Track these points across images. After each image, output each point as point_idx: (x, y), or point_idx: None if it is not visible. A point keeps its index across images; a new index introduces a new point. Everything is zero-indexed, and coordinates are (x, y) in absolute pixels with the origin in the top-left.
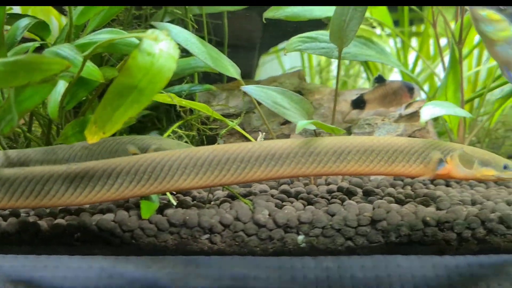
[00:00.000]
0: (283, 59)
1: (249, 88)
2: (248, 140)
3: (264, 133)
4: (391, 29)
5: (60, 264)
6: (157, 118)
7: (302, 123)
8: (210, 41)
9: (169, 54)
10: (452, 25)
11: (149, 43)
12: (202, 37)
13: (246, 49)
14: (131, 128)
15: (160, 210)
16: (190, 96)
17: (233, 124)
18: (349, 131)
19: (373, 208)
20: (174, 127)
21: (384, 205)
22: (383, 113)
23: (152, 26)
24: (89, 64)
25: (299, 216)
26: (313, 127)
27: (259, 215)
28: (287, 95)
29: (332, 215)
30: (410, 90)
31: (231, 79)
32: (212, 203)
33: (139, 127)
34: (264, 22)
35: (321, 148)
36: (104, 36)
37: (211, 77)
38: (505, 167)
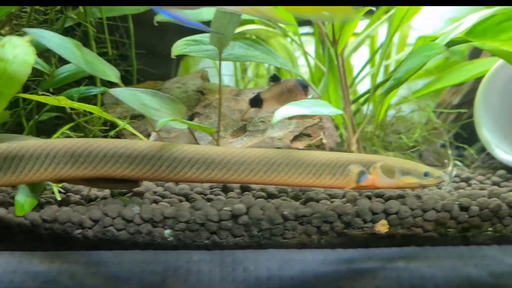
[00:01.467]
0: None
1: (116, 91)
2: None
3: (155, 133)
4: (295, 29)
5: None
6: None
7: (162, 120)
8: (122, 45)
9: (24, 60)
10: None
11: (2, 50)
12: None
13: (163, 52)
14: (40, 131)
15: (42, 207)
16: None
17: (124, 124)
18: (245, 129)
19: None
20: (64, 129)
21: (247, 199)
22: None
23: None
24: None
25: (163, 211)
26: (181, 126)
27: (126, 210)
28: (158, 96)
29: (197, 210)
30: (305, 87)
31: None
32: (97, 200)
33: (55, 130)
34: (156, 25)
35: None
36: None
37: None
38: (426, 175)
